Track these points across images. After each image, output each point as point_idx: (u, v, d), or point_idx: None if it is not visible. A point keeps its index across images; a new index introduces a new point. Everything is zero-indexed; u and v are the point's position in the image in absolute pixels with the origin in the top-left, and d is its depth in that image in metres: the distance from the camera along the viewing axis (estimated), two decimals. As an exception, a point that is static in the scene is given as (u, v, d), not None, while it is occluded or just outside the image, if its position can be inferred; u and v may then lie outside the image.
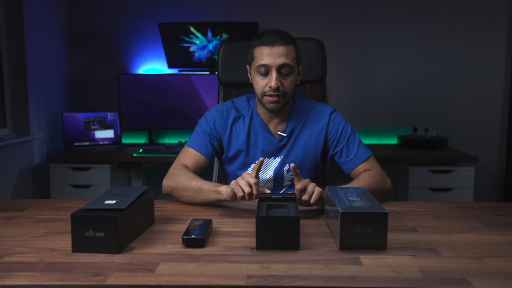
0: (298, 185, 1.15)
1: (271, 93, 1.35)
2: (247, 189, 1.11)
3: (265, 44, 1.34)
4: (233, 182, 1.16)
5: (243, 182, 1.12)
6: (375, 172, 1.40)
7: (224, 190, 1.20)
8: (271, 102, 1.37)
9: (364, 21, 3.23)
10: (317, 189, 1.16)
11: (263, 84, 1.37)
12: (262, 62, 1.34)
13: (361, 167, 1.42)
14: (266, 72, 1.36)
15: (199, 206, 1.29)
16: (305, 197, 1.15)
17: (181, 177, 1.31)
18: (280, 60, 1.33)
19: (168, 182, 1.34)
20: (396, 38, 3.24)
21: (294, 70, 1.38)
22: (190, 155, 1.42)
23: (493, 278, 0.79)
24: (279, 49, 1.33)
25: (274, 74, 1.34)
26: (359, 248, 0.92)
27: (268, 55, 1.34)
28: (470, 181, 2.74)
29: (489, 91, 3.25)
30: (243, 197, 1.13)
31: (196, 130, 1.48)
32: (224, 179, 1.59)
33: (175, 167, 1.38)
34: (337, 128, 1.46)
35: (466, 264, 0.85)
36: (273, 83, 1.33)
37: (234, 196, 1.16)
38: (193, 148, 1.43)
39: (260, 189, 1.14)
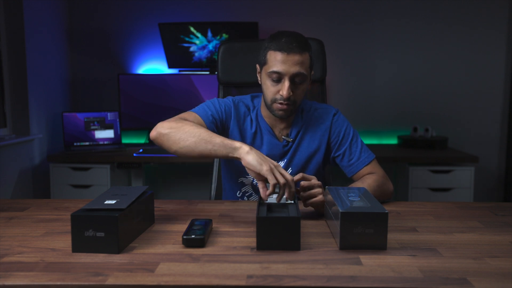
0: (305, 183, 1.15)
1: (282, 101, 1.32)
2: (282, 180, 1.04)
3: (281, 50, 1.28)
4: (267, 159, 1.07)
5: (281, 172, 1.06)
6: (378, 175, 1.38)
7: (243, 149, 1.09)
8: (280, 110, 1.34)
9: (364, 21, 3.23)
10: (321, 198, 1.15)
11: (274, 90, 1.32)
12: (276, 69, 1.29)
13: (364, 171, 1.41)
14: (278, 79, 1.31)
15: (198, 205, 1.29)
16: (304, 194, 1.15)
17: (187, 122, 1.24)
18: (295, 69, 1.28)
19: (168, 124, 1.24)
20: (396, 38, 3.24)
21: (307, 78, 1.34)
22: (192, 116, 1.34)
23: (493, 278, 0.79)
24: (295, 58, 1.27)
25: (286, 83, 1.29)
26: (359, 248, 0.92)
27: (283, 63, 1.28)
28: (470, 181, 2.74)
29: (489, 91, 3.25)
30: (268, 185, 1.05)
31: (206, 103, 1.42)
32: (224, 177, 1.56)
33: (176, 116, 1.30)
34: (339, 130, 1.45)
35: (466, 264, 0.85)
36: (285, 93, 1.29)
37: (255, 169, 1.06)
38: (197, 113, 1.36)
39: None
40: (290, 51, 1.27)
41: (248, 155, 1.09)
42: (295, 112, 1.41)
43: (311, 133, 1.45)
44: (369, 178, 1.36)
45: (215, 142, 1.15)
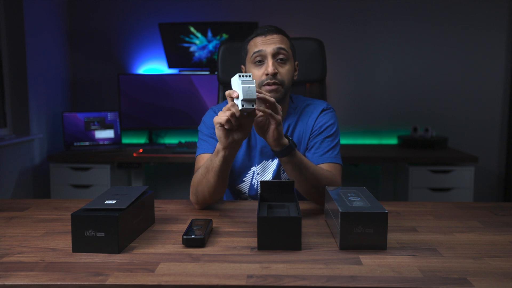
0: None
1: (269, 81, 1.31)
2: (227, 114, 1.04)
3: (258, 35, 1.35)
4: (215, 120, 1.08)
5: (221, 112, 1.07)
6: (335, 177, 1.29)
7: (217, 146, 1.14)
8: (270, 91, 1.32)
9: (364, 21, 3.23)
10: (275, 132, 1.10)
11: (259, 74, 1.33)
12: (257, 49, 1.33)
13: (324, 167, 1.32)
14: (261, 61, 1.34)
15: (198, 205, 1.28)
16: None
17: (193, 179, 1.26)
18: (275, 45, 1.32)
19: (191, 193, 1.26)
20: (396, 38, 3.24)
21: (290, 58, 1.36)
22: (203, 160, 1.33)
23: (493, 278, 0.79)
24: (273, 37, 1.33)
25: (270, 60, 1.32)
26: (359, 248, 0.92)
27: (262, 43, 1.33)
28: (470, 181, 2.74)
29: (489, 91, 3.25)
30: (226, 121, 1.05)
31: (199, 137, 1.43)
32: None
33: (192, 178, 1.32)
34: (322, 124, 1.40)
35: (466, 264, 0.85)
36: (270, 69, 1.30)
37: (220, 133, 1.08)
38: (203, 153, 1.37)
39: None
40: (267, 33, 1.34)
41: (219, 144, 1.13)
42: (285, 96, 1.38)
43: (300, 129, 1.42)
44: (324, 168, 1.29)
45: (209, 166, 1.18)
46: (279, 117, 1.09)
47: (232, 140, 1.09)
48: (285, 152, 1.15)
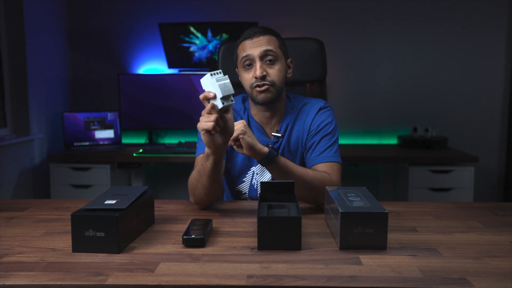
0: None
1: (258, 83, 1.32)
2: (212, 118, 1.04)
3: (245, 38, 1.35)
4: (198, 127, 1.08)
5: (203, 117, 1.06)
6: (331, 177, 1.27)
7: (206, 150, 1.14)
8: (260, 93, 1.33)
9: (364, 21, 3.23)
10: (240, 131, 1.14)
11: (249, 77, 1.34)
12: (244, 54, 1.33)
13: (320, 167, 1.31)
14: (250, 64, 1.34)
15: (198, 206, 1.28)
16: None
17: (189, 182, 1.26)
18: (261, 48, 1.32)
19: (190, 195, 1.27)
20: (396, 38, 3.24)
21: (280, 58, 1.35)
22: (197, 161, 1.34)
23: (493, 278, 0.79)
24: (259, 39, 1.33)
25: (258, 63, 1.32)
26: (359, 248, 0.92)
27: (250, 47, 1.33)
28: (470, 181, 2.74)
29: (489, 91, 3.25)
30: (213, 127, 1.04)
31: (198, 137, 1.42)
32: (224, 181, 1.56)
33: None
34: (319, 123, 1.39)
35: (466, 264, 0.85)
36: (257, 72, 1.31)
37: (208, 139, 1.08)
38: (203, 153, 1.34)
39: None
40: (253, 35, 1.34)
41: (207, 149, 1.14)
42: (279, 97, 1.38)
43: (298, 128, 1.42)
44: (317, 169, 1.29)
45: (201, 169, 1.19)
46: (231, 131, 1.09)
47: (220, 142, 1.10)
48: (266, 160, 1.18)
